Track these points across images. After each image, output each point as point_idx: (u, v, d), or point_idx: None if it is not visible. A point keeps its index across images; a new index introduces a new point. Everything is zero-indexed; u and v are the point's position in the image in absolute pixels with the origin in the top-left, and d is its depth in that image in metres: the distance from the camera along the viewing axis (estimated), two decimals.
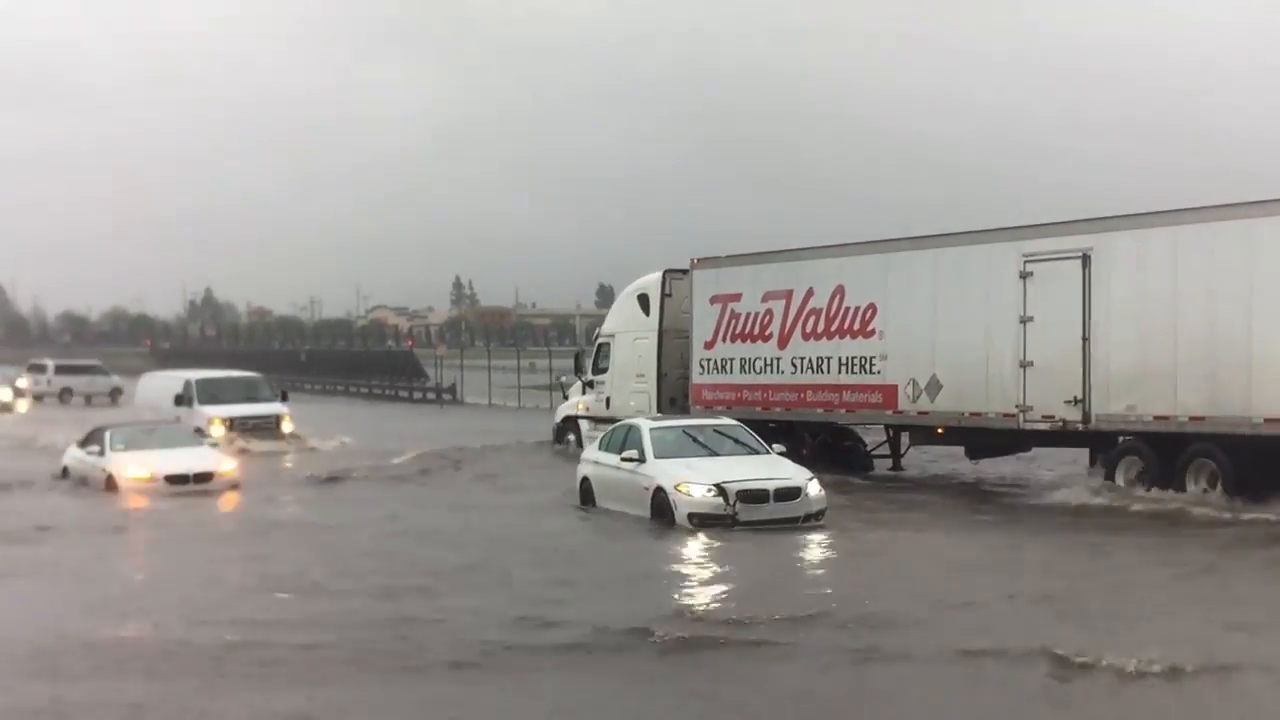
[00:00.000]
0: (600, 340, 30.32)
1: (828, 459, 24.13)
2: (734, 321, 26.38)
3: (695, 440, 19.79)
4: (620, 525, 18.76)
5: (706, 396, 26.83)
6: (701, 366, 27.03)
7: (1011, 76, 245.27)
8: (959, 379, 22.28)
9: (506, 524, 19.48)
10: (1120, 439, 20.38)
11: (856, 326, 24.03)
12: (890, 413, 23.50)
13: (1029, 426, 21.28)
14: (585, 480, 20.72)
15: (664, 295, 28.27)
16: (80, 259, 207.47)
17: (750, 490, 17.90)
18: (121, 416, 33.57)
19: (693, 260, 27.79)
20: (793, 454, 24.03)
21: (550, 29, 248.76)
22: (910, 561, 15.92)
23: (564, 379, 33.63)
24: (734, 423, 20.94)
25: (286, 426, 34.15)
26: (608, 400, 29.41)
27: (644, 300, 28.86)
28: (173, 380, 35.97)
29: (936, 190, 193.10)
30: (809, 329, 24.91)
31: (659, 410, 27.76)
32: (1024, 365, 21.17)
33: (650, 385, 28.28)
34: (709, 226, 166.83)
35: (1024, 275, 21.21)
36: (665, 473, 18.46)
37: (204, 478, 23.64)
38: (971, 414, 22.08)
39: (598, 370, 29.95)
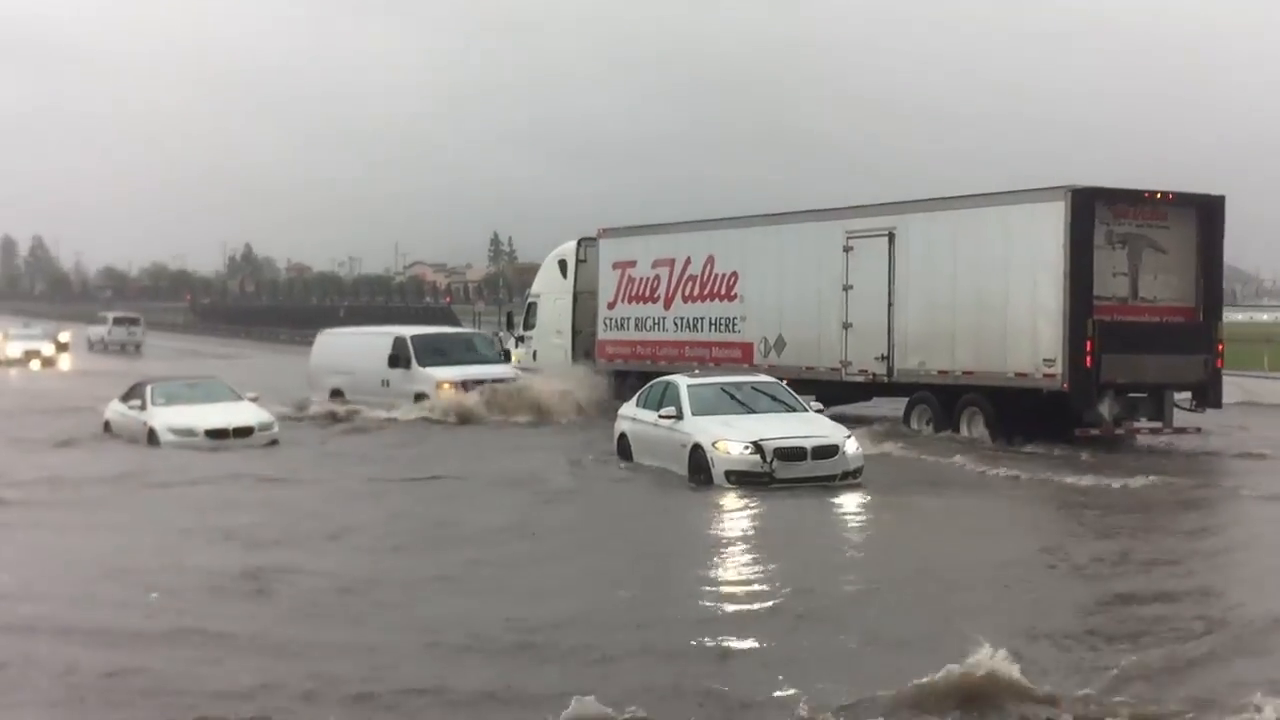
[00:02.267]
0: (530, 300, 34.13)
1: None
2: (630, 285, 30.18)
3: (733, 397, 19.78)
4: (660, 486, 18.59)
5: (609, 351, 30.67)
6: (605, 324, 30.84)
7: (1017, 42, 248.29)
8: (799, 337, 25.98)
9: (544, 486, 18.89)
10: (916, 390, 23.97)
11: (723, 291, 27.77)
12: (747, 366, 27.10)
13: (849, 379, 24.97)
14: (623, 436, 20.75)
15: (579, 261, 32.03)
16: (121, 216, 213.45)
17: (787, 448, 17.83)
18: (288, 379, 30.87)
19: (599, 230, 31.60)
20: None
21: None
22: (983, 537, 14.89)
23: (500, 334, 37.38)
24: (772, 380, 21.15)
25: None
26: (534, 354, 33.23)
27: (563, 265, 32.64)
28: (376, 337, 31.02)
29: (936, 149, 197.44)
30: (687, 292, 28.66)
31: (573, 361, 31.69)
32: (846, 326, 24.84)
33: (566, 341, 32.08)
34: (719, 187, 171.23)
35: (846, 249, 24.84)
36: (703, 430, 18.42)
37: (244, 432, 23.96)
38: (807, 368, 25.75)
39: (528, 326, 33.75)
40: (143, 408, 24.79)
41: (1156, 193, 21.93)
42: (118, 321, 71.16)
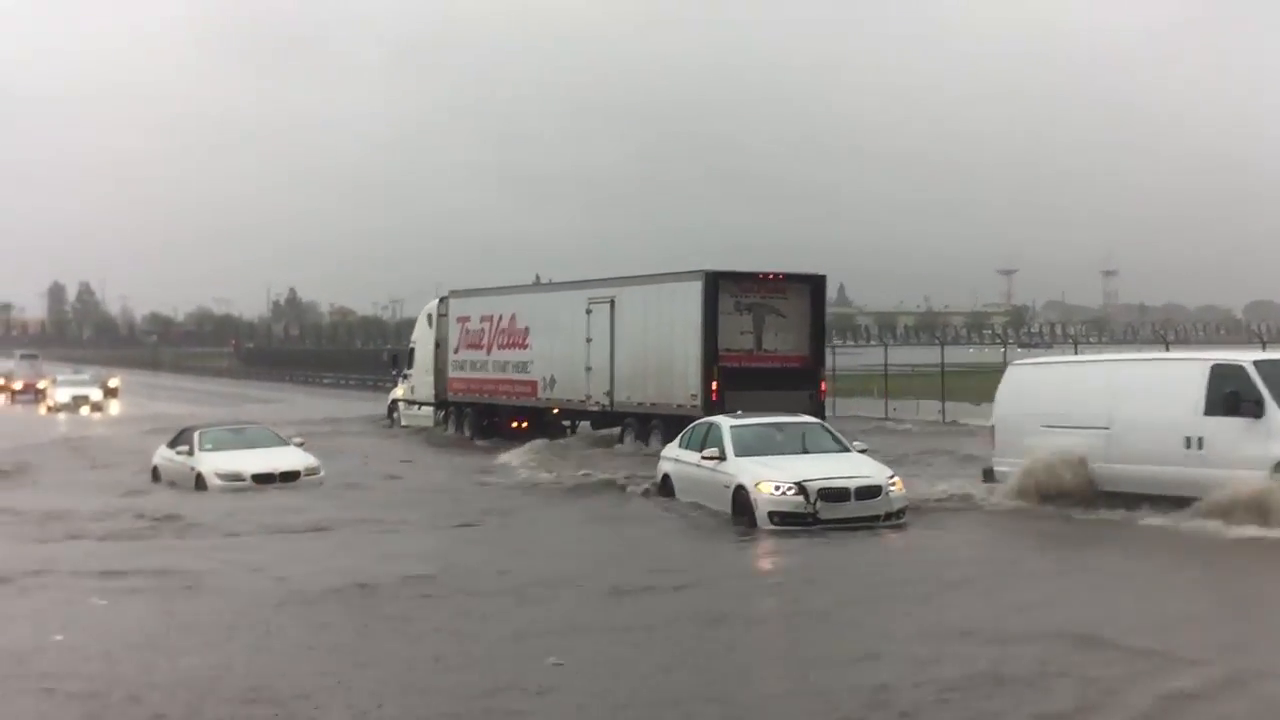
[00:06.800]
0: (410, 346, 42.80)
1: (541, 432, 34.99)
2: (466, 335, 38.61)
3: (775, 438, 19.99)
4: (706, 529, 18.69)
5: (455, 386, 39.08)
6: (451, 366, 39.24)
7: (968, 69, 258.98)
8: (563, 377, 34.15)
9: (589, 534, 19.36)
10: (626, 417, 32.11)
11: (520, 341, 36.11)
12: (534, 399, 35.46)
13: (589, 409, 33.17)
14: (666, 478, 21.17)
15: (439, 315, 40.53)
16: (167, 262, 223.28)
17: (831, 489, 17.97)
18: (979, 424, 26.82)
19: (450, 291, 40.19)
20: (503, 427, 36.14)
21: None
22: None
23: (394, 373, 46.01)
24: (814, 420, 21.56)
25: None
26: (412, 389, 41.93)
27: (429, 318, 41.23)
28: (1160, 366, 19.88)
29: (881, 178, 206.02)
30: (500, 342, 37.00)
31: (435, 396, 40.13)
32: (588, 369, 32.99)
33: (431, 379, 40.57)
34: (707, 226, 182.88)
35: (588, 312, 33.06)
36: (746, 471, 18.62)
37: (290, 476, 24.56)
38: (568, 400, 33.98)
39: (409, 367, 42.40)
40: (190, 453, 25.39)
41: (771, 273, 30.06)
42: (23, 357, 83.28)
